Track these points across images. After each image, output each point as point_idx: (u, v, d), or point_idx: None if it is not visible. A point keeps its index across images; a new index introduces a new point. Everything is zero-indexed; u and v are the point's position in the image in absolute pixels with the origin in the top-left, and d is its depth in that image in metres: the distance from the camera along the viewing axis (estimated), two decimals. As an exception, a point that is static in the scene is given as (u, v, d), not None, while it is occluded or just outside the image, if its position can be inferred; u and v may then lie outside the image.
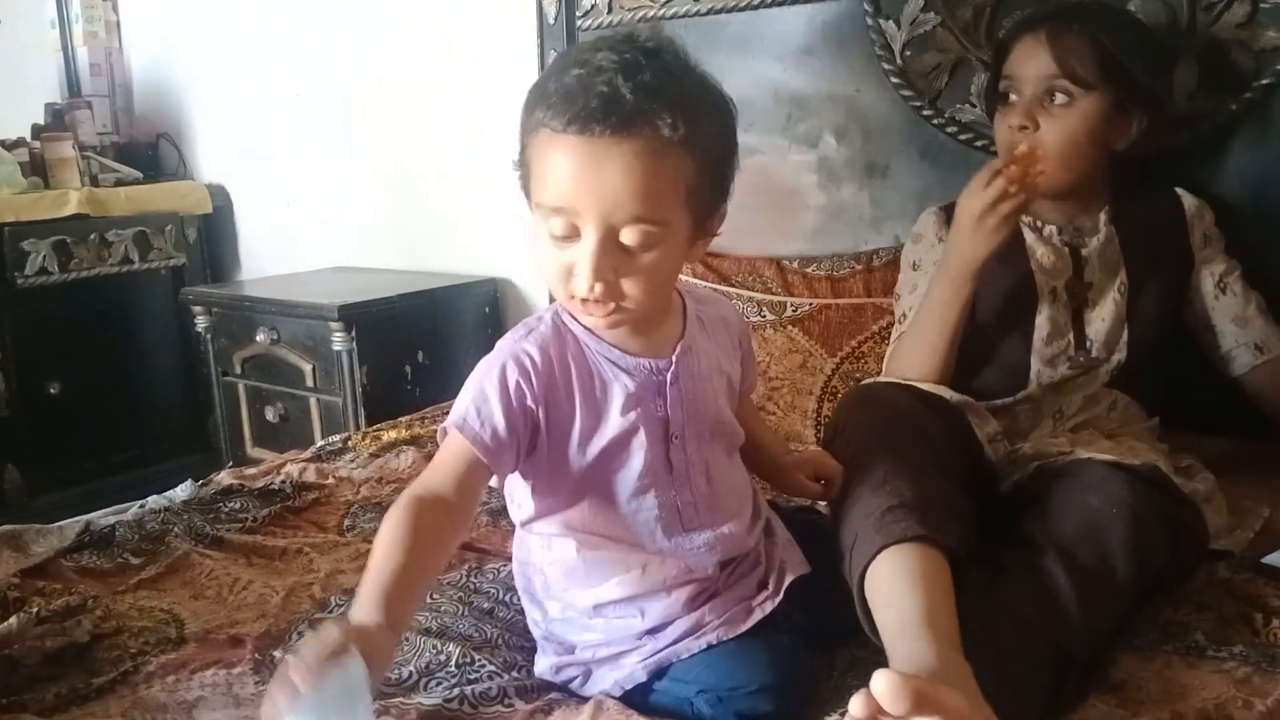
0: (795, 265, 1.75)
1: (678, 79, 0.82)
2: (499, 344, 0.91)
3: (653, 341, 0.92)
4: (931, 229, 1.39)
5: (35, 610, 1.03)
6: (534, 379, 0.87)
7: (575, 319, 0.91)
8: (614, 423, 0.89)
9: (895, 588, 0.86)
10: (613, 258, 0.82)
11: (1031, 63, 1.25)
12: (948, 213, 1.39)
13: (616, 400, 0.89)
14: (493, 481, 0.91)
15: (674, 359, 0.91)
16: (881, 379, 1.21)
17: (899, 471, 0.97)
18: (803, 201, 1.79)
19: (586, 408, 0.89)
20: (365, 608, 0.76)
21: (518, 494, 0.94)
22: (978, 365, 1.32)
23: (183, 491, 1.43)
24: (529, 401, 0.87)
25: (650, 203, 0.80)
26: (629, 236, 0.81)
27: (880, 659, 0.91)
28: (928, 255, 1.37)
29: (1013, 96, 1.27)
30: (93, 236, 2.56)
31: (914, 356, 1.26)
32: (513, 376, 0.87)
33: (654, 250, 0.82)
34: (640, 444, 0.90)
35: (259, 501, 1.40)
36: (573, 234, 0.82)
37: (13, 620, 1.02)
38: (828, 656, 0.95)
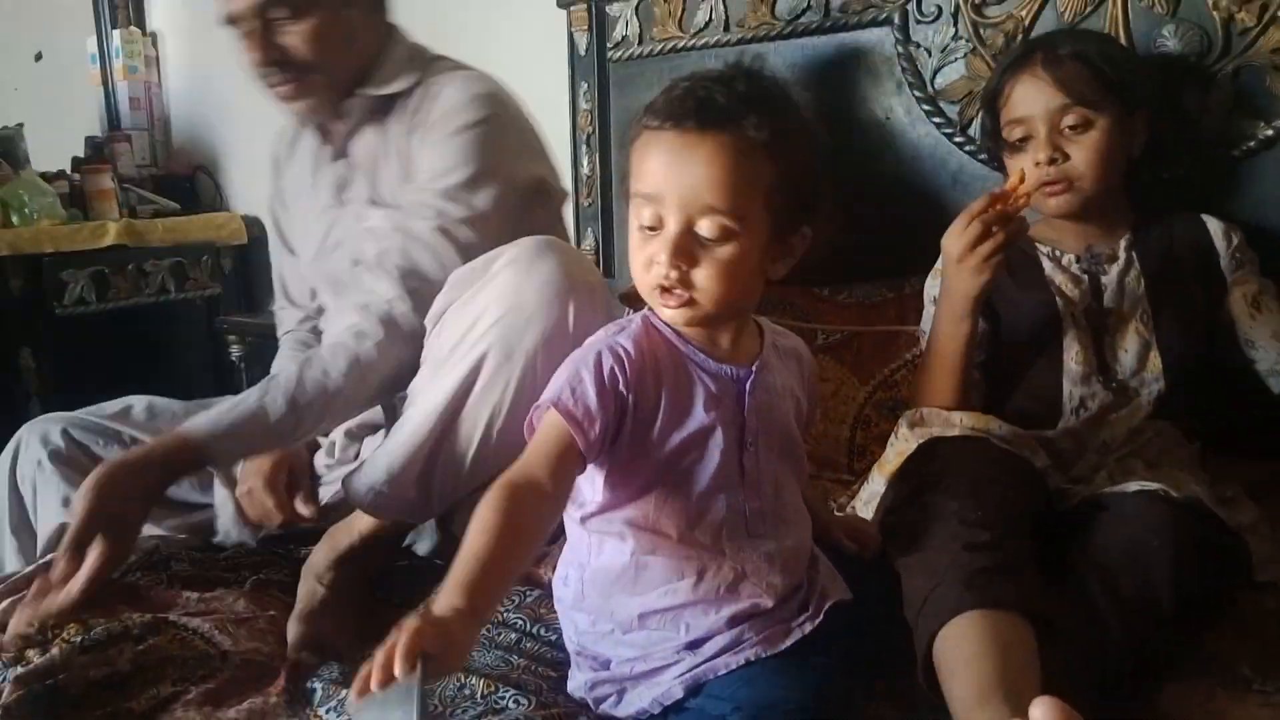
0: (825, 293, 1.74)
1: (770, 94, 0.90)
2: (591, 339, 0.95)
3: (734, 352, 0.95)
4: None
5: (80, 640, 1.05)
6: (628, 367, 0.90)
7: (665, 324, 0.94)
8: (695, 419, 0.91)
9: (979, 652, 0.84)
10: (689, 246, 0.87)
11: (1038, 99, 1.27)
12: None
13: (699, 398, 0.92)
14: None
15: (753, 369, 0.94)
16: (950, 431, 1.21)
17: (988, 527, 0.96)
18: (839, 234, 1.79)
19: (671, 400, 0.91)
20: (447, 594, 0.79)
21: (584, 488, 0.95)
22: (1011, 393, 1.32)
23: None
24: (621, 387, 0.90)
25: (727, 196, 0.85)
26: (705, 227, 0.86)
27: (919, 692, 0.91)
28: None
29: (1028, 138, 1.28)
30: (130, 267, 2.61)
31: (930, 391, 1.28)
32: (608, 363, 0.90)
33: (728, 245, 0.87)
34: (717, 444, 0.91)
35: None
36: (658, 224, 0.88)
37: (55, 651, 1.03)
38: (865, 687, 0.95)
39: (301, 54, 1.33)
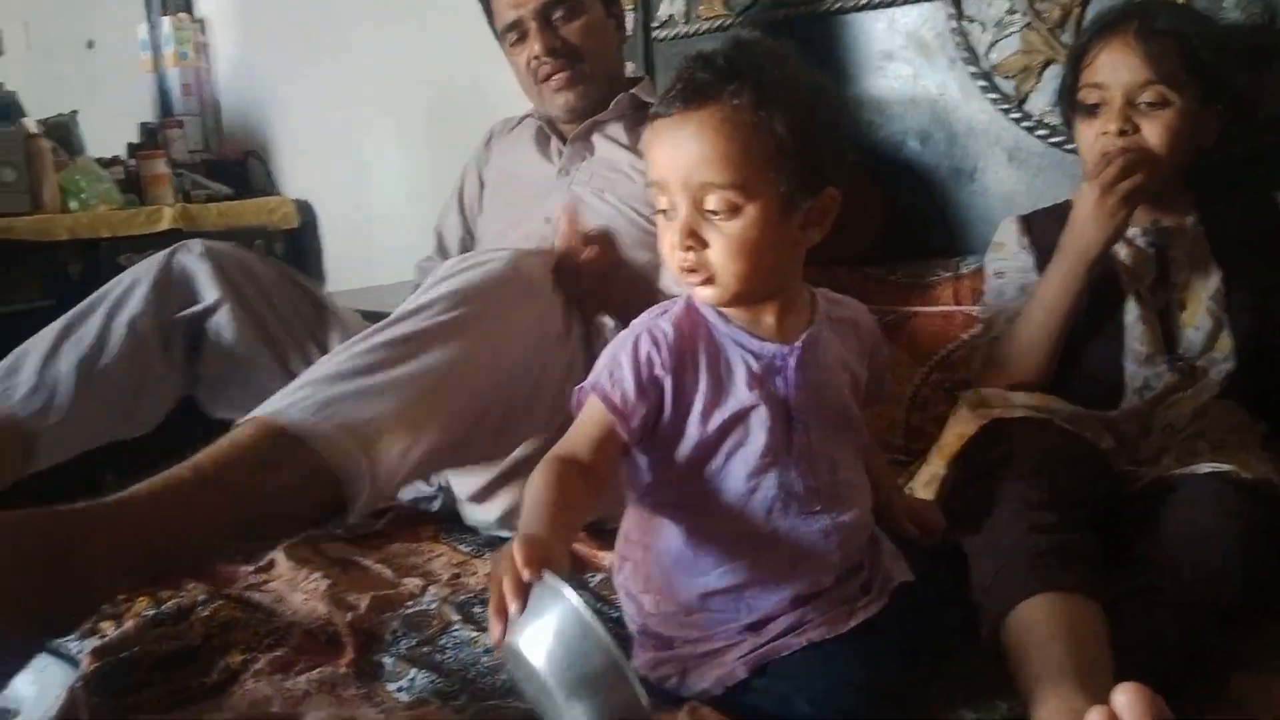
0: (879, 272, 1.72)
1: (754, 61, 0.88)
2: (636, 320, 0.96)
3: (780, 328, 0.94)
4: (1013, 237, 1.40)
5: (151, 614, 1.07)
6: (665, 350, 0.91)
7: (706, 305, 0.95)
8: (737, 398, 0.92)
9: (1049, 635, 0.84)
10: (698, 225, 0.88)
11: (1122, 68, 1.24)
12: (1027, 222, 1.40)
13: (740, 377, 0.92)
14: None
15: (798, 345, 0.93)
16: (1012, 413, 1.20)
17: (1054, 509, 0.95)
18: (885, 208, 1.77)
19: (711, 380, 0.92)
20: (530, 527, 0.82)
21: (636, 470, 0.96)
22: (1069, 374, 1.30)
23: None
24: (658, 370, 0.91)
25: (722, 168, 0.86)
26: (711, 203, 0.87)
27: (986, 674, 0.91)
28: (1011, 263, 1.38)
29: (1102, 104, 1.26)
30: (183, 251, 2.63)
31: (1016, 355, 1.27)
32: (645, 347, 0.91)
33: (737, 219, 0.87)
34: (761, 422, 0.91)
35: (371, 518, 1.43)
36: (673, 209, 0.89)
37: (129, 624, 1.06)
38: (929, 669, 0.94)
39: (577, 42, 1.61)
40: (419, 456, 1.10)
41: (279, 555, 1.27)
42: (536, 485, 0.87)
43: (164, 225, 2.58)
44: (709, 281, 0.90)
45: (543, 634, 0.72)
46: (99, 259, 2.48)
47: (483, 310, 1.18)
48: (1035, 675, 0.81)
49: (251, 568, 1.26)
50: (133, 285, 1.46)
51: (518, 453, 1.30)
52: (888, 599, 0.93)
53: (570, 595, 0.72)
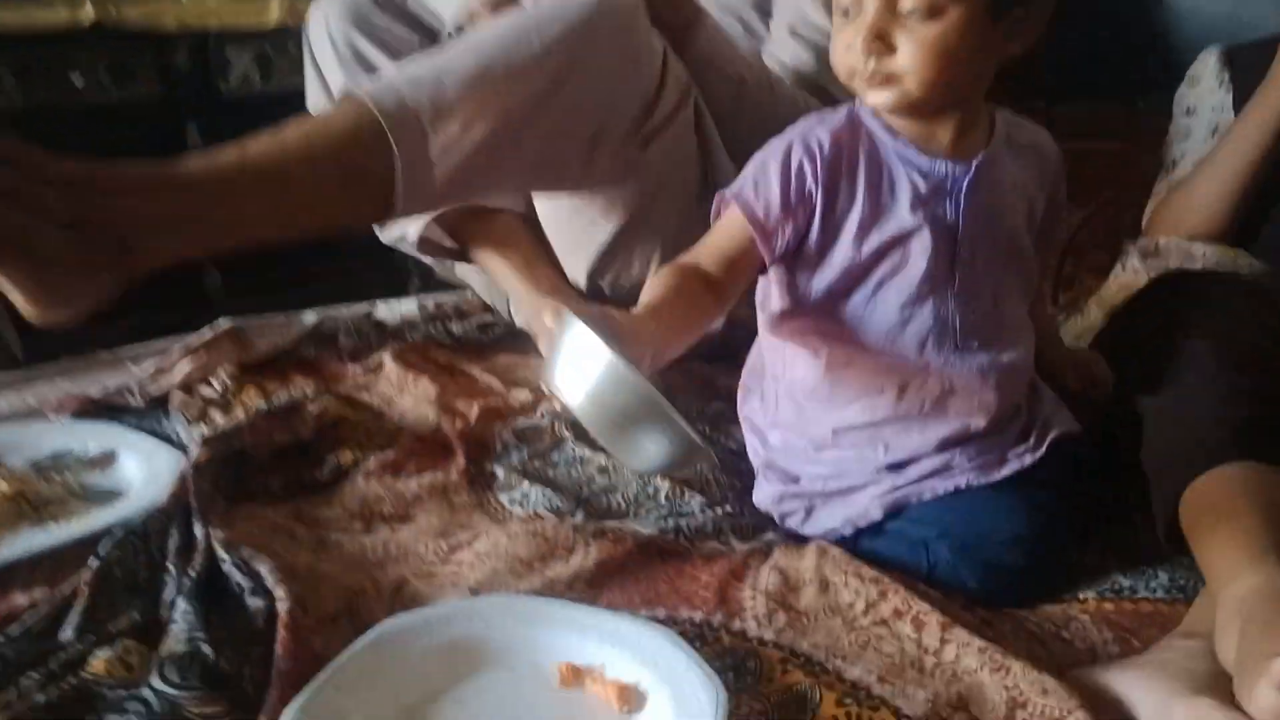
0: (1041, 105, 1.57)
1: None
2: (791, 127, 0.86)
3: (955, 147, 0.84)
4: (1211, 71, 1.25)
5: (266, 406, 1.06)
6: (819, 162, 0.82)
7: (873, 115, 0.84)
8: (897, 218, 0.82)
9: (1246, 508, 0.75)
10: (888, 29, 0.78)
11: None
12: (1230, 56, 1.25)
13: (904, 197, 0.82)
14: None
15: (974, 165, 0.83)
16: (1192, 265, 1.09)
17: (1247, 373, 0.86)
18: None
19: (870, 198, 0.83)
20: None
21: (774, 292, 0.89)
22: (1258, 226, 1.18)
23: (407, 305, 1.48)
24: (808, 185, 0.82)
25: None
26: (907, 3, 0.77)
27: (1145, 540, 0.84)
28: (1205, 101, 1.24)
29: None
30: (291, 47, 2.57)
31: (1200, 202, 1.16)
32: (797, 156, 0.83)
33: (934, 21, 0.77)
34: (923, 247, 0.82)
35: (479, 330, 1.41)
36: (856, 6, 0.79)
37: (241, 415, 1.05)
38: (1083, 531, 0.88)
39: None
40: (467, 144, 1.03)
41: (386, 357, 1.24)
42: (646, 288, 0.80)
43: (272, 19, 2.52)
44: (888, 83, 0.79)
45: (579, 378, 0.68)
46: (207, 50, 2.43)
47: (558, 41, 1.07)
48: (1228, 550, 0.73)
49: (359, 367, 1.24)
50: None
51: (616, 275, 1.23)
52: (1045, 450, 0.85)
53: (584, 330, 0.67)
